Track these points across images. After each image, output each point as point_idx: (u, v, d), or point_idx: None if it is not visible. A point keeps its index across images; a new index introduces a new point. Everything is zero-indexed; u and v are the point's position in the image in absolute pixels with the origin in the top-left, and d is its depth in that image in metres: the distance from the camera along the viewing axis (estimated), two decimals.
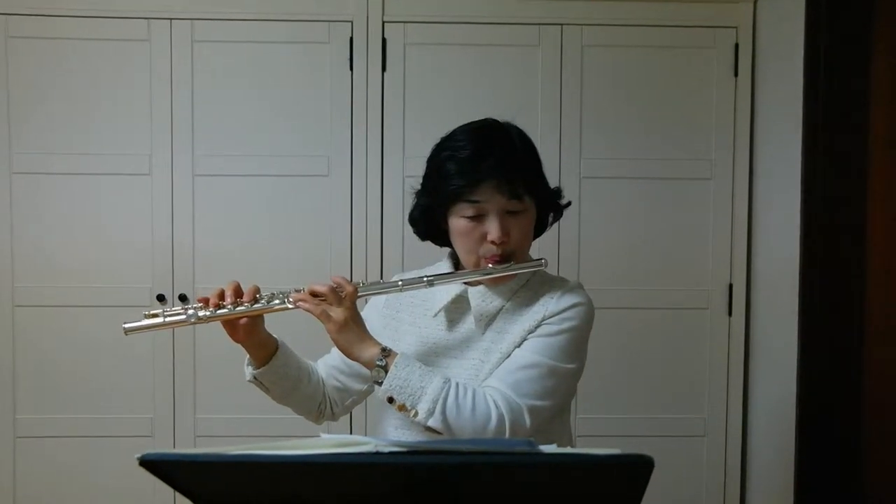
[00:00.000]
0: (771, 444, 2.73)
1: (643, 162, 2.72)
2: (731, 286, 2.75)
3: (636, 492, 0.95)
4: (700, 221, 2.74)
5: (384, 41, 2.67)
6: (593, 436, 2.72)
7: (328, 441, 0.94)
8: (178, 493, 1.01)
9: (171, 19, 2.63)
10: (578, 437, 2.73)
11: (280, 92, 2.67)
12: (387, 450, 0.91)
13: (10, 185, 2.64)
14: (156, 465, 0.94)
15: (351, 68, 2.67)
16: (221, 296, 1.48)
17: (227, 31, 2.65)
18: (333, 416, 1.70)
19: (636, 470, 0.91)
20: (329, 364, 1.68)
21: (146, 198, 2.66)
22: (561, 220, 2.68)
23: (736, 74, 2.72)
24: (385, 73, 2.67)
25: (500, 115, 1.60)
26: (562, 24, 2.69)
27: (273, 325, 1.59)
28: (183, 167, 2.66)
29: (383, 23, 2.66)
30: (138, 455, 0.91)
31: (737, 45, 2.71)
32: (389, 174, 2.67)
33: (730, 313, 2.75)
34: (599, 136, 2.71)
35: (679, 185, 2.73)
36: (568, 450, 0.95)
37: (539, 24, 2.68)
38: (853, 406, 2.50)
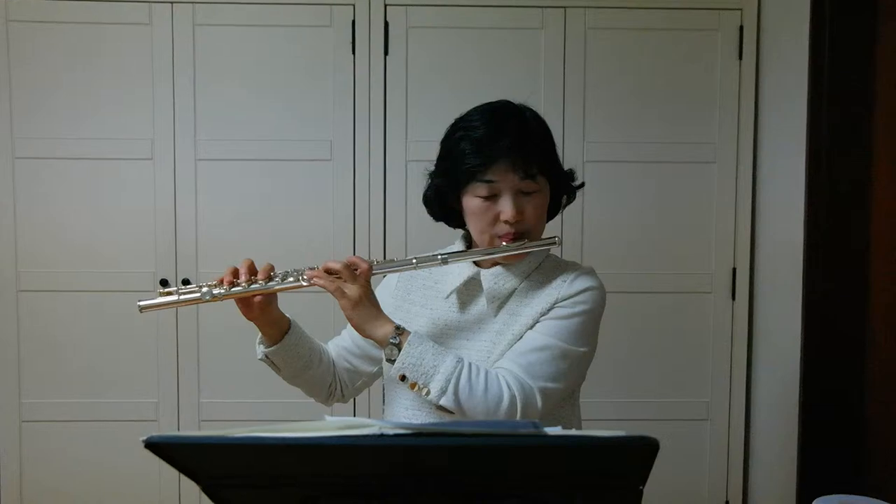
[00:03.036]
0: (774, 427, 2.74)
1: (647, 145, 2.71)
2: (734, 270, 2.74)
3: (641, 474, 0.95)
4: (704, 205, 2.73)
5: (386, 24, 2.66)
6: (596, 419, 2.72)
7: (332, 423, 0.94)
8: (183, 476, 1.01)
9: (172, 3, 2.62)
10: (582, 420, 2.73)
11: (282, 76, 2.66)
12: (391, 432, 0.91)
13: (12, 171, 2.64)
14: (161, 448, 0.94)
15: (353, 52, 2.65)
16: (236, 273, 1.48)
17: (228, 14, 2.64)
18: (343, 398, 1.70)
19: (641, 452, 0.91)
20: (340, 345, 1.69)
21: (149, 182, 2.66)
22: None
23: (740, 57, 2.70)
24: (387, 57, 2.66)
25: (508, 98, 1.59)
26: (565, 7, 2.67)
27: (284, 307, 1.59)
28: (185, 152, 2.65)
29: (385, 6, 2.65)
30: (143, 437, 0.91)
31: (741, 28, 2.69)
32: (392, 158, 2.66)
33: (733, 297, 2.75)
34: (603, 119, 2.70)
35: (683, 168, 2.72)
36: (573, 432, 0.95)
37: (542, 6, 2.67)
38: (856, 389, 2.50)
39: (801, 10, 2.56)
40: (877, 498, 1.82)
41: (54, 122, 2.64)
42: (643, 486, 0.98)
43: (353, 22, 2.65)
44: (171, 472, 1.04)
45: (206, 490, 1.01)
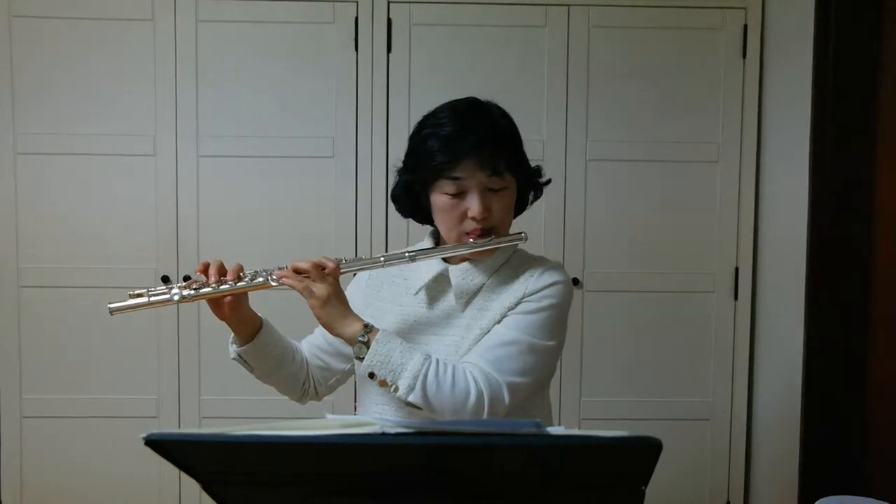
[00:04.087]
0: (776, 427, 2.73)
1: (650, 144, 2.70)
2: (737, 270, 2.74)
3: (644, 474, 0.95)
4: (707, 205, 2.73)
5: (389, 22, 2.65)
6: (598, 419, 2.72)
7: (333, 422, 0.93)
8: (183, 473, 1.01)
9: None
10: (583, 419, 2.74)
11: (285, 73, 2.66)
12: (393, 430, 0.90)
13: (14, 166, 2.64)
14: (161, 445, 0.93)
15: (356, 49, 2.65)
16: (206, 274, 1.50)
17: (231, 10, 2.63)
18: (317, 396, 1.71)
19: (644, 452, 0.90)
20: (313, 344, 1.70)
21: (150, 179, 2.65)
22: (567, 202, 2.66)
23: (744, 56, 2.69)
24: (390, 55, 2.66)
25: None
26: (568, 5, 2.66)
27: (258, 306, 1.59)
28: (187, 148, 2.65)
29: (388, 3, 2.64)
30: (143, 434, 0.91)
31: (745, 27, 2.68)
32: (394, 155, 2.63)
33: (736, 297, 2.74)
34: (606, 117, 2.69)
35: (686, 167, 2.72)
36: (575, 431, 0.95)
37: (545, 4, 2.66)
38: (859, 391, 2.49)
39: (805, 8, 2.55)
40: (879, 499, 1.82)
41: (56, 117, 2.64)
42: (646, 487, 0.97)
43: (356, 19, 2.64)
44: (171, 470, 1.04)
45: (207, 488, 1.01)
